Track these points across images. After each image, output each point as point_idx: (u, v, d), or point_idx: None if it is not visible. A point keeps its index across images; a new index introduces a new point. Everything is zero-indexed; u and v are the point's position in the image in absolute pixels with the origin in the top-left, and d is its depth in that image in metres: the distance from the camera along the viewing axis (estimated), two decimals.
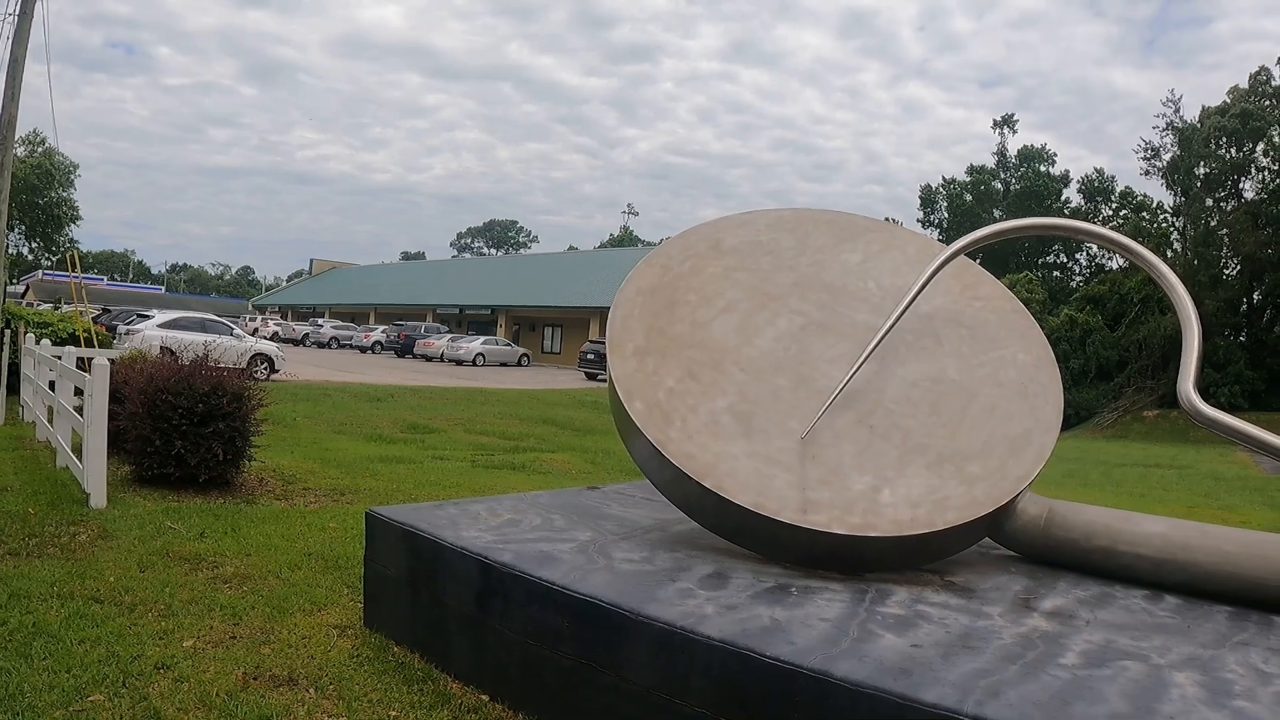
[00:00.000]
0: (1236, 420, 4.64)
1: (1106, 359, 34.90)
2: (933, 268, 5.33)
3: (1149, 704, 3.26)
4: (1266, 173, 34.84)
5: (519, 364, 49.99)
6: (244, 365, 24.17)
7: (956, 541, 4.77)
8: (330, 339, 54.14)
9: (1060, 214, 47.09)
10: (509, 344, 52.94)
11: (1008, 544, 5.24)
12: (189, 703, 4.55)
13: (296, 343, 51.65)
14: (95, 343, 18.12)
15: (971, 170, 61.98)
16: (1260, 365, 31.94)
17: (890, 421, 4.96)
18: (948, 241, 6.98)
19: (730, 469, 4.67)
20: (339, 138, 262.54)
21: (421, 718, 4.65)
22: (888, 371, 5.21)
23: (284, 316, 76.41)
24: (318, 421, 18.43)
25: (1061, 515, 5.02)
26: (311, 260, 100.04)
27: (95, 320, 24.21)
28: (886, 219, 6.48)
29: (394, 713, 4.67)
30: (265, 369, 26.82)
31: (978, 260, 7.04)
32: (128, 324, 28.11)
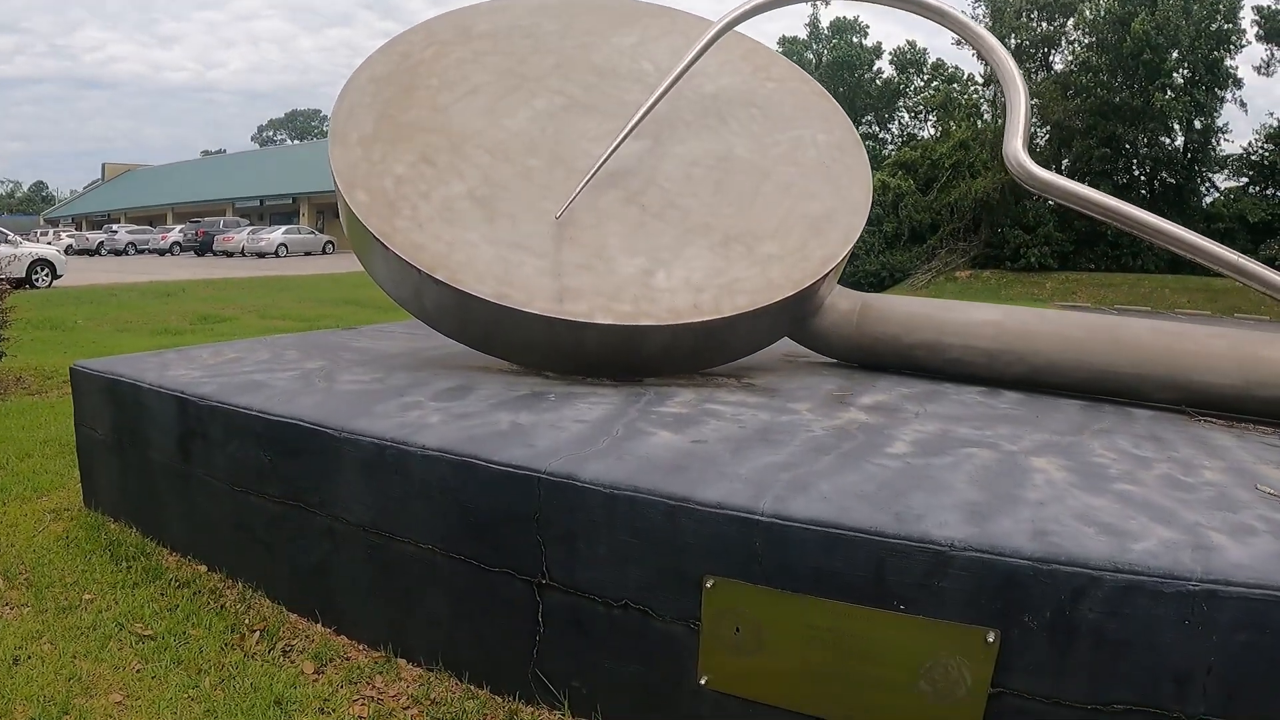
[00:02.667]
0: (1069, 182, 4.02)
1: (919, 222, 35.55)
2: (706, 39, 4.43)
3: (1009, 491, 2.59)
4: (1076, 45, 35.72)
5: (324, 251, 45.98)
6: (23, 273, 21.73)
7: (753, 334, 3.98)
8: (127, 245, 48.38)
9: (872, 85, 46.98)
10: (313, 232, 48.58)
11: (816, 346, 4.52)
12: None
13: (91, 253, 46.10)
14: None
15: (784, 41, 61.44)
16: (1069, 228, 33.10)
17: (666, 200, 4.08)
18: None
19: (468, 258, 3.69)
20: (130, 35, 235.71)
21: (123, 599, 3.77)
22: (663, 150, 4.31)
23: (78, 227, 68.13)
24: (100, 322, 16.23)
25: (877, 309, 4.32)
26: (104, 165, 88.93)
27: None
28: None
29: (89, 595, 3.80)
30: (47, 275, 23.80)
31: None
32: None
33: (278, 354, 4.54)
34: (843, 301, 4.29)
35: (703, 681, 2.58)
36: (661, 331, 3.58)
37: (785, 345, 4.64)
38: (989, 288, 34.74)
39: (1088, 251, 33.55)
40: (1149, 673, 2.19)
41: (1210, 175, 35.49)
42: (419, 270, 3.66)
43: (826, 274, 3.88)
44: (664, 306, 3.61)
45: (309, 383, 3.84)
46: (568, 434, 3.01)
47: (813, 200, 4.25)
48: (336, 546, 3.30)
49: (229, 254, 44.11)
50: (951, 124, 38.43)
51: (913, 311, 4.24)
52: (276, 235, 45.22)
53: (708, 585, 2.48)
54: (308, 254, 45.25)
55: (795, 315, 4.08)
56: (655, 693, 2.67)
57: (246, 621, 3.57)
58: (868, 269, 33.87)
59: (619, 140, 4.03)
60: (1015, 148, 3.99)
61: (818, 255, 3.97)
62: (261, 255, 43.38)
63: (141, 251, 47.90)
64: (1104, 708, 2.23)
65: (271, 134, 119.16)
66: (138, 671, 3.23)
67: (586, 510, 2.62)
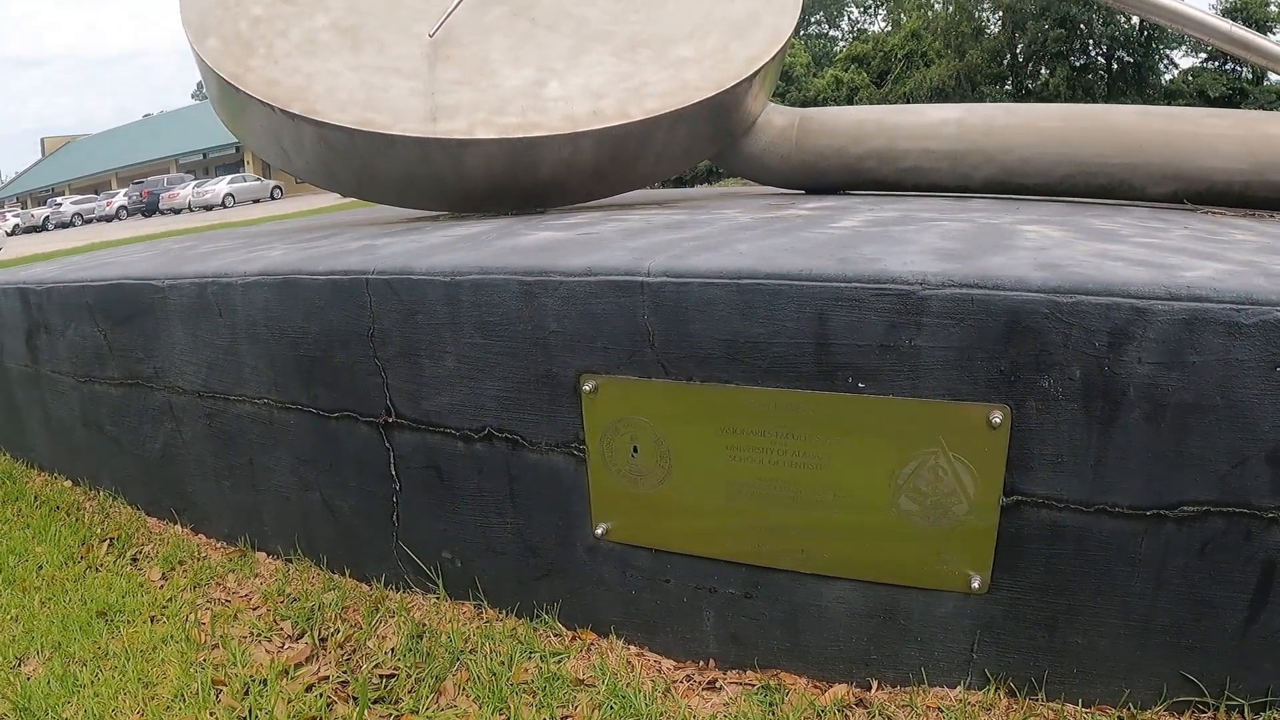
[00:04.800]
0: None
1: None
2: None
3: (996, 242, 1.68)
4: None
5: (272, 197, 40.87)
6: None
7: (670, 148, 3.00)
8: (73, 216, 44.07)
9: None
10: (259, 179, 42.98)
11: (752, 172, 3.53)
12: None
13: (38, 229, 42.18)
14: None
15: None
16: None
17: (560, 11, 3.14)
18: None
19: (328, 88, 2.77)
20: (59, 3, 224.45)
21: None
22: None
23: (24, 205, 63.61)
24: None
25: (818, 120, 3.36)
26: (43, 140, 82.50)
27: None
28: None
29: None
30: None
31: None
32: None
33: (154, 245, 3.63)
34: (778, 117, 3.33)
35: (599, 532, 1.69)
36: (557, 143, 2.64)
37: (719, 190, 3.70)
38: None
39: None
40: (1231, 451, 1.30)
41: (1168, 52, 32.54)
42: (272, 106, 2.74)
43: (753, 74, 2.92)
44: (558, 115, 2.67)
45: (161, 253, 2.94)
46: (424, 245, 2.10)
47: (733, 3, 3.28)
48: (178, 424, 2.41)
49: (176, 211, 39.30)
50: (902, 15, 36.34)
51: (860, 119, 3.27)
52: (222, 186, 40.40)
53: (587, 388, 1.58)
54: (256, 201, 40.31)
55: (720, 127, 3.11)
56: (543, 554, 1.79)
57: (99, 532, 2.70)
58: None
59: None
60: None
61: (741, 56, 3.01)
62: (209, 208, 38.57)
63: (89, 221, 43.27)
64: (1169, 512, 1.34)
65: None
66: None
67: (426, 309, 1.71)
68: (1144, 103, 29.93)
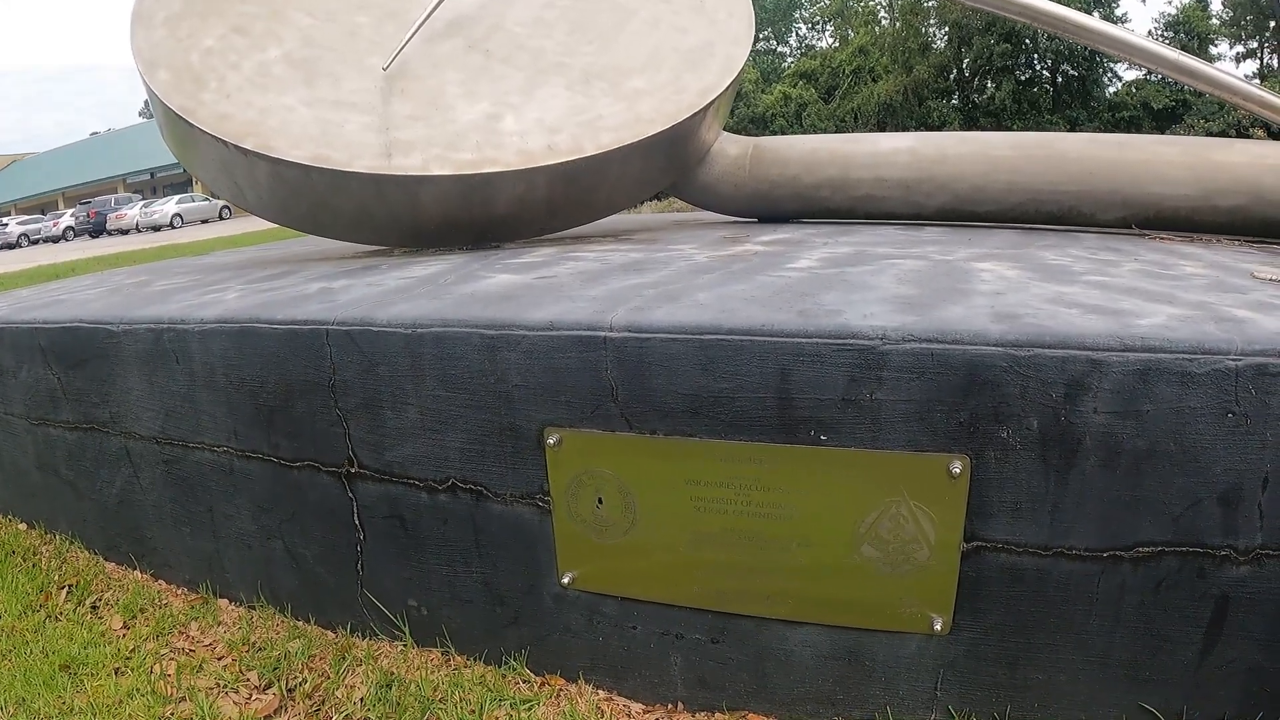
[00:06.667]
0: None
1: (823, 131, 33.66)
2: None
3: (953, 286, 1.66)
4: None
5: (220, 217, 39.52)
6: None
7: (623, 181, 2.96)
8: (19, 237, 42.76)
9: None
10: (207, 199, 40.97)
11: (706, 201, 3.51)
12: None
13: None
14: None
15: None
16: (974, 125, 30.77)
17: (514, 43, 3.08)
18: None
19: (282, 123, 2.69)
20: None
21: None
22: None
23: None
24: None
25: (772, 149, 3.33)
26: None
27: None
28: None
29: None
30: None
31: None
32: None
33: (104, 280, 3.48)
34: (731, 147, 3.30)
35: (565, 581, 1.65)
36: (511, 179, 2.58)
37: (674, 216, 3.68)
38: None
39: None
40: (1183, 494, 1.30)
41: (1112, 66, 32.43)
42: (225, 142, 2.65)
43: (706, 106, 2.89)
44: (513, 151, 2.61)
45: (114, 290, 2.83)
46: (383, 290, 2.04)
47: (686, 35, 3.24)
48: (135, 470, 2.31)
49: (124, 231, 38.07)
50: (849, 31, 36.54)
51: (813, 148, 3.26)
52: (170, 206, 39.08)
53: (551, 442, 1.54)
54: (204, 221, 38.87)
55: (674, 159, 3.08)
56: (509, 603, 1.74)
57: (57, 579, 2.58)
58: None
59: None
60: None
61: (694, 88, 2.98)
62: (157, 228, 37.44)
63: (35, 242, 41.93)
64: (1125, 553, 1.34)
65: None
66: None
67: (387, 362, 1.66)
68: (1089, 114, 30.56)
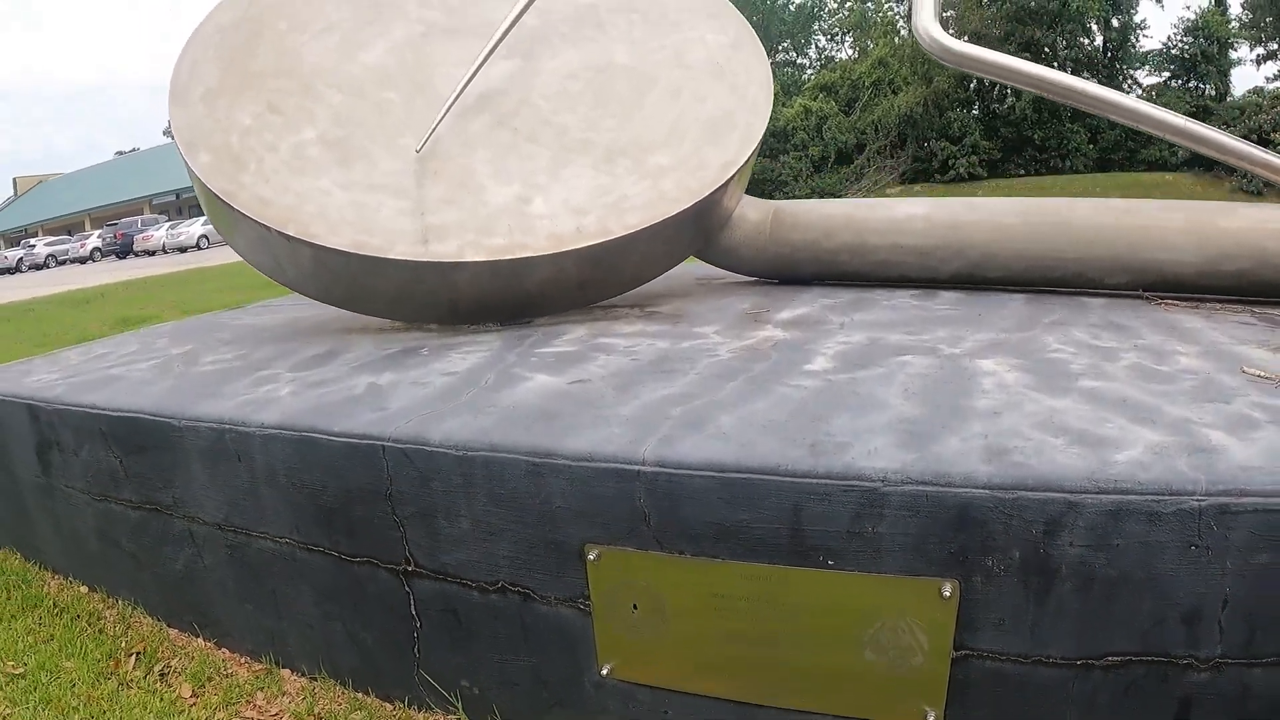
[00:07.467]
0: (986, 52, 3.28)
1: (845, 143, 33.58)
2: None
3: (954, 402, 1.92)
4: None
5: None
6: None
7: (651, 257, 3.26)
8: (47, 257, 43.60)
9: (786, 12, 43.85)
10: None
11: (728, 264, 3.80)
12: None
13: (12, 270, 40.98)
14: None
15: None
16: (994, 135, 31.24)
17: (540, 119, 3.35)
18: None
19: (320, 208, 2.98)
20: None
21: None
22: (535, 66, 3.56)
23: None
24: (19, 341, 14.66)
25: (791, 214, 3.60)
26: (15, 179, 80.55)
27: None
28: None
29: None
30: None
31: None
32: None
33: (147, 344, 3.79)
34: (752, 212, 3.58)
35: (604, 672, 1.94)
36: (542, 263, 2.87)
37: (698, 269, 3.96)
38: None
39: (1016, 157, 31.66)
40: (1150, 614, 1.56)
41: (1132, 73, 33.50)
42: (268, 228, 2.94)
43: (727, 181, 3.16)
44: (543, 235, 2.90)
45: (166, 370, 3.13)
46: (429, 390, 2.33)
47: (706, 103, 3.51)
48: (199, 550, 2.63)
49: (151, 253, 40.02)
50: (869, 43, 36.80)
51: (831, 213, 3.53)
52: (195, 228, 40.49)
53: (591, 557, 1.83)
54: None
55: (698, 231, 3.36)
56: (554, 688, 2.04)
57: (124, 645, 2.90)
58: (798, 195, 32.39)
59: (479, 62, 3.27)
60: (925, 21, 3.26)
61: (716, 162, 3.25)
62: (183, 249, 39.00)
63: (63, 262, 43.13)
64: (1096, 661, 1.61)
65: None
66: (5, 717, 2.59)
67: (441, 478, 1.95)
68: (1109, 123, 30.55)
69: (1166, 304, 3.04)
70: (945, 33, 3.23)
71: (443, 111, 3.15)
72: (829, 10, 43.53)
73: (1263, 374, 2.12)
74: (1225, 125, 28.47)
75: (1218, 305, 3.02)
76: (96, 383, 3.14)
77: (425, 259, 2.83)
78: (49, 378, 3.42)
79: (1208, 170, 28.08)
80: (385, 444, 2.01)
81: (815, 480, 1.62)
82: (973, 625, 1.63)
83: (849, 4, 40.57)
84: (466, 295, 2.98)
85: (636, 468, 1.72)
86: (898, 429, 1.77)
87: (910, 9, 3.43)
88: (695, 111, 3.43)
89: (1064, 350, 2.37)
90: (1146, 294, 3.14)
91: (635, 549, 1.78)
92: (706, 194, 3.09)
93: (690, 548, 1.74)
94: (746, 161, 3.27)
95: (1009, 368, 2.20)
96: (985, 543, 1.57)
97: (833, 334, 2.65)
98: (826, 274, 3.55)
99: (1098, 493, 1.53)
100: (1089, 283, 3.14)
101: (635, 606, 1.84)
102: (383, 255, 2.83)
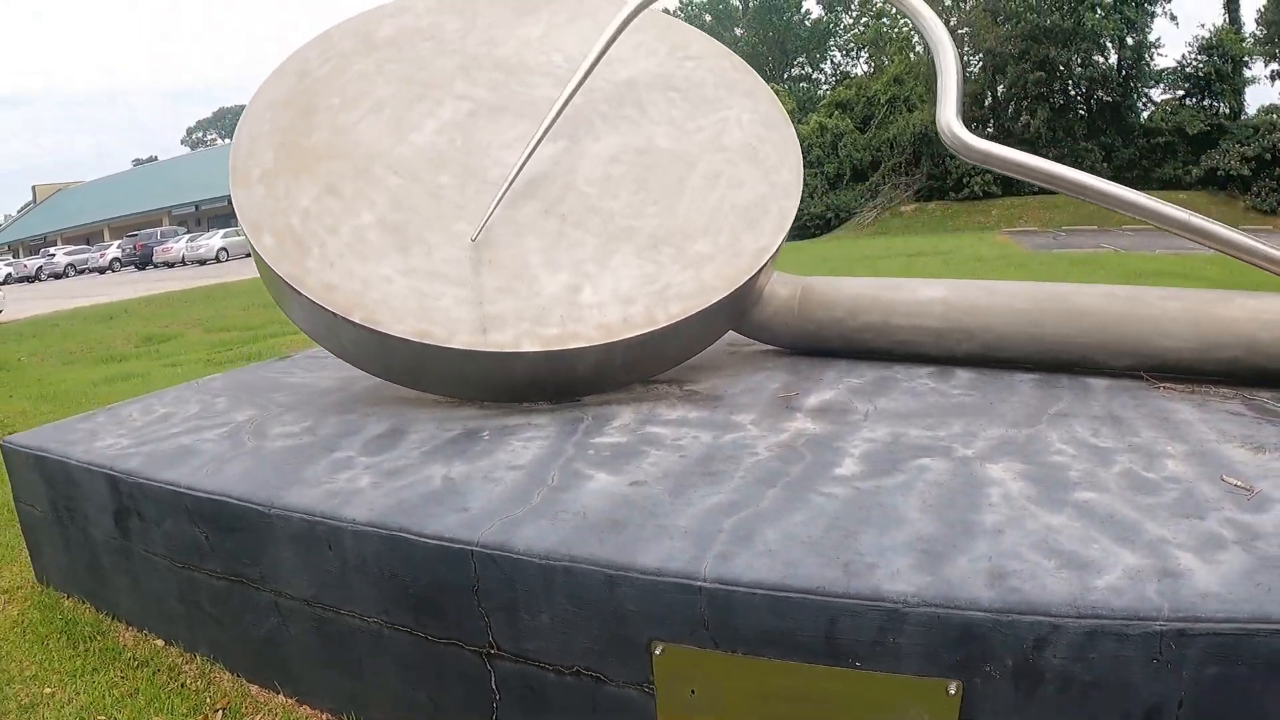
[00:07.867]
0: (1008, 150, 3.67)
1: (860, 160, 34.47)
2: (617, 23, 3.98)
3: (963, 516, 2.35)
4: None
5: None
6: None
7: (691, 340, 3.69)
8: (66, 267, 44.62)
9: (802, 27, 45.16)
10: None
11: (759, 335, 4.22)
12: None
13: (31, 279, 42.71)
14: None
15: None
16: None
17: (586, 206, 3.73)
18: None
19: (383, 295, 3.36)
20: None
21: (84, 688, 3.35)
22: (580, 149, 3.94)
23: (15, 254, 61.87)
24: (45, 357, 15.17)
25: (819, 292, 4.01)
26: (34, 187, 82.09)
27: None
28: None
29: (49, 689, 3.38)
30: None
31: None
32: None
33: (207, 405, 4.18)
34: (782, 289, 3.99)
35: None
36: (592, 352, 3.28)
37: (728, 335, 4.37)
38: (934, 219, 33.98)
39: None
40: (1119, 712, 1.97)
41: (1146, 91, 34.19)
42: (335, 314, 3.33)
43: (762, 267, 3.57)
44: (593, 324, 3.30)
45: (237, 442, 3.52)
46: (501, 487, 2.73)
47: (741, 188, 3.92)
48: (284, 620, 3.02)
49: (170, 264, 41.26)
50: (884, 59, 37.49)
51: (857, 293, 3.94)
52: (215, 241, 42.06)
53: (656, 652, 2.23)
54: (248, 255, 42.41)
55: (734, 313, 3.78)
56: None
57: (208, 700, 3.27)
58: (813, 211, 33.08)
59: (529, 149, 3.67)
60: (948, 118, 3.65)
61: (751, 248, 3.65)
62: (203, 262, 40.19)
63: (82, 272, 44.19)
64: None
65: (201, 135, 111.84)
66: None
67: (524, 580, 2.35)
68: (1124, 140, 31.56)
69: (1165, 388, 3.45)
70: (967, 129, 3.62)
71: (495, 201, 3.53)
72: (844, 26, 44.23)
73: (1239, 484, 2.52)
74: (1239, 145, 29.13)
75: (1210, 388, 3.43)
76: (172, 454, 3.52)
77: (485, 349, 3.22)
78: (120, 442, 3.81)
79: (1221, 189, 28.64)
80: (474, 549, 2.41)
81: (848, 600, 2.02)
82: (973, 716, 2.03)
83: (864, 20, 41.24)
84: (520, 378, 3.38)
85: (699, 584, 2.13)
86: (915, 548, 2.18)
87: (934, 103, 3.81)
88: (733, 198, 3.82)
89: (1064, 453, 2.78)
90: (1146, 375, 3.55)
91: (695, 646, 2.19)
92: (743, 281, 3.50)
93: (741, 648, 2.14)
94: (779, 246, 3.67)
95: (1014, 475, 2.61)
96: (985, 653, 1.98)
97: (858, 428, 3.06)
98: (851, 350, 3.97)
99: (1078, 617, 1.93)
100: (1095, 365, 3.56)
101: (693, 692, 2.24)
102: (446, 345, 3.22)
